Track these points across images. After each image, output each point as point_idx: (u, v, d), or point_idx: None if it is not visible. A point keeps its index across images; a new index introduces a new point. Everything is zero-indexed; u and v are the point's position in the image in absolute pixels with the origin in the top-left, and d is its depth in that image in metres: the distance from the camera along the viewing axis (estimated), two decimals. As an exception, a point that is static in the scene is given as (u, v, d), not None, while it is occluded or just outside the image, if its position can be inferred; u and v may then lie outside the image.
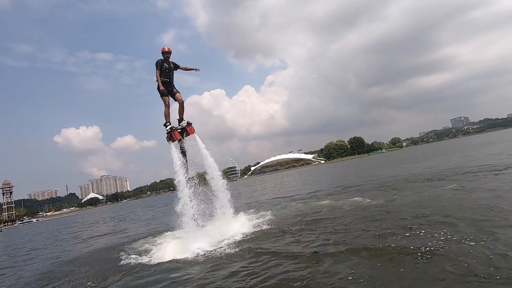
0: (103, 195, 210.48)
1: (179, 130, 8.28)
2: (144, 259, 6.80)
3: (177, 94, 8.24)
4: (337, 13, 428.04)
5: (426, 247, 4.36)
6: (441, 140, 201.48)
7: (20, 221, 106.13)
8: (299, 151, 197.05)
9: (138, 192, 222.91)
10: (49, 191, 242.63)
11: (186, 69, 8.51)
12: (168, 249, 7.15)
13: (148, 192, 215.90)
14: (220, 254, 6.10)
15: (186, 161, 8.13)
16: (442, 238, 4.70)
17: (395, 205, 8.06)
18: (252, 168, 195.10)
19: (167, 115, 8.20)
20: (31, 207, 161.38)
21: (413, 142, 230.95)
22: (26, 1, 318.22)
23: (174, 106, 8.44)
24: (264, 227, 7.97)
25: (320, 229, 6.73)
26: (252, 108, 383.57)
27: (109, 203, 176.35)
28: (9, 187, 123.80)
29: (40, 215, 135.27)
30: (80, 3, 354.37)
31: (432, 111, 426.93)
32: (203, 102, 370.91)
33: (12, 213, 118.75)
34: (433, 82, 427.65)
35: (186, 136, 8.35)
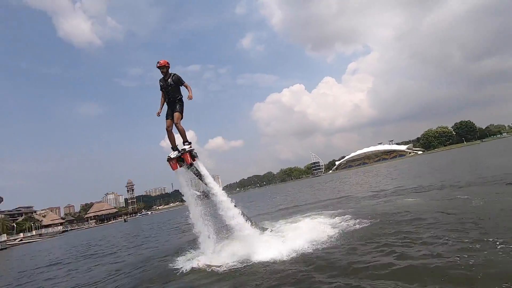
0: (199, 191, 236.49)
1: (181, 157, 7.06)
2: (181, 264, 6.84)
3: (174, 113, 6.98)
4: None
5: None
6: None
7: (140, 213, 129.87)
8: (390, 142, 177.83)
9: (229, 189, 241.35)
10: (160, 188, 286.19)
11: (186, 88, 7.13)
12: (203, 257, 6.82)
13: (238, 189, 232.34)
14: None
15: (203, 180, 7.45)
16: None
17: (494, 210, 6.41)
18: (337, 163, 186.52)
19: (170, 140, 7.11)
20: (147, 202, 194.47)
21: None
22: (134, 31, 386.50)
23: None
24: (320, 239, 6.59)
25: (387, 249, 5.10)
26: (334, 99, 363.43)
27: (204, 198, 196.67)
28: (131, 185, 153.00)
29: (154, 209, 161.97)
30: (172, 25, 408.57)
31: None
32: (283, 99, 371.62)
33: (135, 207, 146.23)
34: None
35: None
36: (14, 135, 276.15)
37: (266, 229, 8.40)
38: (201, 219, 7.01)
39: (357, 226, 7.26)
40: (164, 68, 7.01)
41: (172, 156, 6.86)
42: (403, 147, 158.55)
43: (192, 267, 6.36)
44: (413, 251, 4.79)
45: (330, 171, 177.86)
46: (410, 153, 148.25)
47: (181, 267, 6.59)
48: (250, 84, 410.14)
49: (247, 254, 6.32)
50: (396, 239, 5.65)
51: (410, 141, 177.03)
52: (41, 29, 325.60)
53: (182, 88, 7.18)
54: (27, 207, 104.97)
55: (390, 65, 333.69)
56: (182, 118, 7.04)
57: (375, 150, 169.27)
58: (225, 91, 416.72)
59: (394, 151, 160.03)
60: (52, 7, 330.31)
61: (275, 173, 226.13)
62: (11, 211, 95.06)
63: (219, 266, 6.06)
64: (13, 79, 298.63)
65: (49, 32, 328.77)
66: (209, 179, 7.14)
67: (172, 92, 7.00)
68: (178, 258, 7.61)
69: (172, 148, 7.07)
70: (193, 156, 7.00)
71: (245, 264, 5.95)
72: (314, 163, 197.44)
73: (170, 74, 7.05)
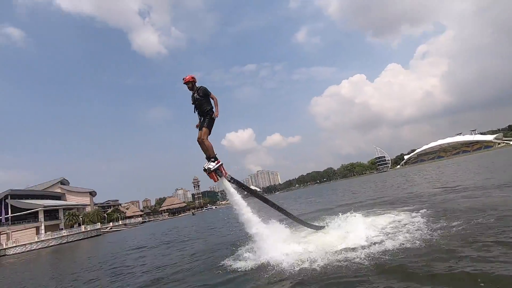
0: (260, 188, 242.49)
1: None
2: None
3: (202, 128, 6.80)
4: None
5: None
6: None
7: (205, 207, 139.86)
8: (473, 131, 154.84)
9: (288, 185, 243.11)
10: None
11: (212, 100, 6.90)
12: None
13: (297, 185, 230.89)
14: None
15: (242, 186, 7.36)
16: None
17: None
18: (406, 157, 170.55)
19: (203, 151, 6.90)
20: (211, 197, 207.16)
21: None
22: (194, 38, 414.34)
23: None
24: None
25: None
26: (400, 88, 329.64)
27: (265, 194, 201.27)
28: (197, 182, 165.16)
29: (217, 204, 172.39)
30: (229, 27, 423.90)
31: None
32: (342, 91, 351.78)
33: (201, 201, 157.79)
34: None
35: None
36: (102, 139, 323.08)
37: (322, 227, 8.26)
38: (255, 217, 6.86)
39: (428, 225, 6.57)
40: (189, 83, 6.92)
41: (206, 168, 6.68)
42: (489, 137, 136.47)
43: (254, 263, 6.35)
44: (499, 258, 4.23)
45: (398, 166, 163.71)
46: (499, 143, 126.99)
47: (242, 257, 6.96)
48: (306, 78, 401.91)
49: (301, 252, 6.14)
50: (476, 242, 5.04)
51: (499, 130, 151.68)
52: (119, 44, 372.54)
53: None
54: (114, 201, 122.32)
55: (470, 44, 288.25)
56: (209, 133, 6.85)
57: (453, 142, 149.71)
58: (281, 88, 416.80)
59: (477, 142, 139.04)
60: (127, 24, 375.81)
61: (336, 169, 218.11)
62: (102, 203, 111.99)
63: (270, 262, 6.00)
64: (100, 91, 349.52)
65: (126, 46, 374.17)
66: (232, 197, 6.97)
67: (200, 105, 6.84)
68: (240, 248, 8.01)
69: (206, 158, 6.84)
70: (218, 175, 6.69)
71: (295, 261, 5.58)
72: (379, 157, 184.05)
73: (197, 88, 6.92)
